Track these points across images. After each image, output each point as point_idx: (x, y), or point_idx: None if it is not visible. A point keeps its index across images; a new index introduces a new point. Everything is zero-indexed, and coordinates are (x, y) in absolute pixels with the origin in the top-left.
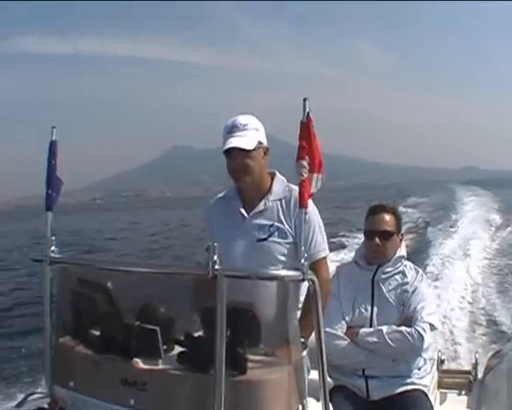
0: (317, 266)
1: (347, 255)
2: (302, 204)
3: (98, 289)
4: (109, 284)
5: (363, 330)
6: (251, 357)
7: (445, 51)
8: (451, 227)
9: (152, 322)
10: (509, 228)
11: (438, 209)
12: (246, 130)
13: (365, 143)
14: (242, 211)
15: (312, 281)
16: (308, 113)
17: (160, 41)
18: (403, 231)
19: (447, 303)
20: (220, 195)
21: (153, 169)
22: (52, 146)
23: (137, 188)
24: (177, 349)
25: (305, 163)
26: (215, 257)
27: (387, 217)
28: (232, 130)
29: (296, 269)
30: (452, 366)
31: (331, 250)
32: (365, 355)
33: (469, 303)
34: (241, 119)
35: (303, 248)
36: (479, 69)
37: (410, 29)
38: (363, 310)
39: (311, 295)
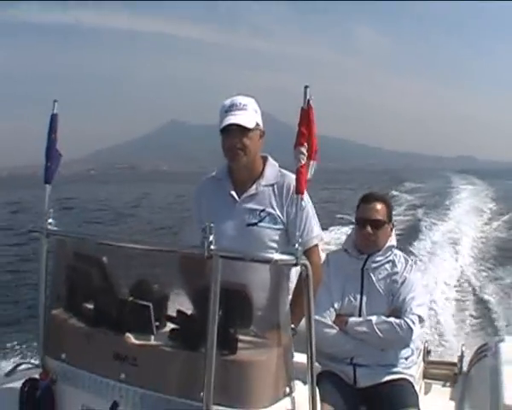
0: (309, 252)
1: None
2: (299, 190)
3: (93, 264)
4: (104, 258)
5: (352, 319)
6: (241, 337)
7: (444, 42)
8: (444, 214)
9: (145, 298)
10: (502, 217)
11: (431, 196)
12: (245, 109)
13: (361, 127)
14: (233, 194)
15: (305, 266)
16: (309, 100)
17: (159, 15)
18: (394, 219)
19: (434, 294)
20: (210, 175)
21: (148, 143)
22: (53, 119)
23: (132, 161)
24: (169, 326)
25: (303, 150)
26: (211, 237)
27: (379, 206)
28: (231, 108)
29: (290, 253)
30: (438, 357)
31: (342, 225)
32: (354, 344)
33: (457, 293)
34: (241, 99)
35: (297, 233)
36: (479, 61)
37: (411, 19)
38: (352, 299)
39: (303, 279)
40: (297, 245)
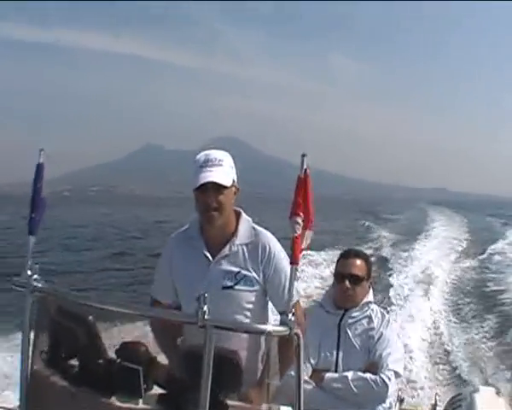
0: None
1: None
2: (293, 261)
3: (79, 322)
4: (90, 317)
5: (328, 375)
6: (230, 403)
7: (419, 74)
8: (416, 251)
9: (132, 360)
10: (475, 255)
11: (404, 229)
12: (221, 166)
13: (334, 156)
14: (207, 254)
15: (297, 336)
16: (306, 169)
17: (137, 38)
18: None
19: (407, 340)
20: (182, 229)
21: (123, 166)
22: (39, 169)
23: (106, 184)
24: (156, 389)
25: (299, 220)
26: (205, 307)
27: (359, 262)
28: (207, 164)
29: (283, 324)
30: (411, 405)
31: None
32: (330, 401)
33: (430, 342)
34: (216, 153)
35: (291, 303)
36: (454, 95)
37: (386, 47)
38: (328, 354)
39: (294, 348)
40: (290, 316)
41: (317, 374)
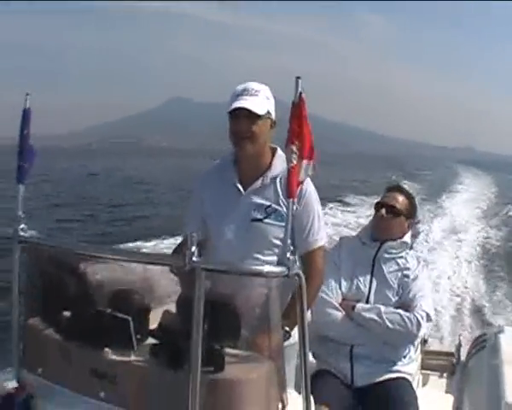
0: (312, 255)
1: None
2: (290, 194)
3: (69, 270)
4: (82, 265)
5: (360, 304)
6: (229, 352)
7: (448, 31)
8: (444, 205)
9: (125, 309)
10: (503, 211)
11: (433, 186)
12: (256, 95)
13: (362, 112)
14: (238, 186)
15: (298, 276)
16: (301, 93)
17: None
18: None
19: (434, 283)
20: (215, 163)
21: (151, 119)
22: (25, 114)
23: (134, 136)
24: (151, 340)
25: (294, 148)
26: (193, 248)
27: (400, 197)
28: (242, 93)
29: (282, 264)
30: (435, 346)
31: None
32: (357, 331)
33: (456, 285)
34: (253, 84)
35: (289, 241)
36: (482, 55)
37: (417, 9)
38: (361, 285)
39: (296, 290)
40: (288, 254)
41: (347, 302)
